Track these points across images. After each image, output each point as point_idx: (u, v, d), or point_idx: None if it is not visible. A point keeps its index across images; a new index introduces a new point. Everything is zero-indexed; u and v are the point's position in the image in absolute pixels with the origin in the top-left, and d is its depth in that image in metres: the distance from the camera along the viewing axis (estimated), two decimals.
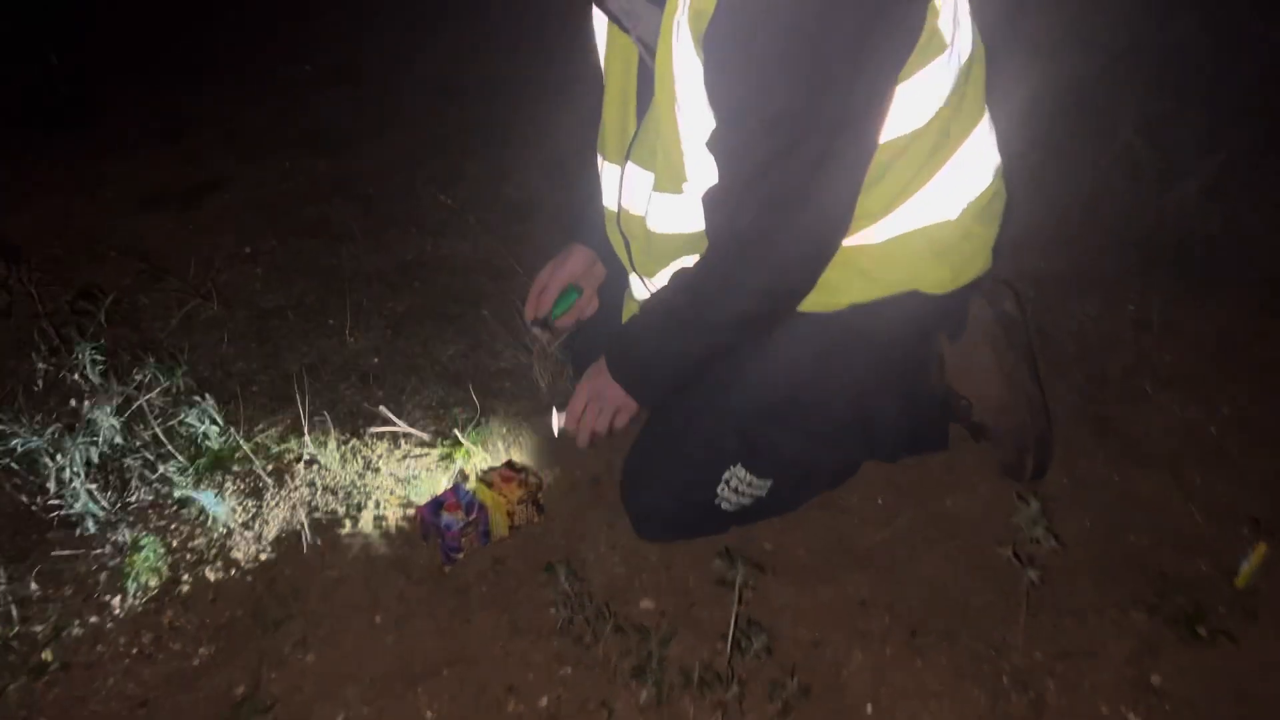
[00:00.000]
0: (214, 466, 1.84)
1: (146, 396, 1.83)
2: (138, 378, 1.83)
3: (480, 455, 1.88)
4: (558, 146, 3.01)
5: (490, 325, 2.26)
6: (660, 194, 1.57)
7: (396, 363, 2.15)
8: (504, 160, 2.97)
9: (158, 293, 2.34)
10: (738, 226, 1.43)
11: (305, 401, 1.98)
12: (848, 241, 1.52)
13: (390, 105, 3.37)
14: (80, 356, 1.75)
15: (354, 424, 1.98)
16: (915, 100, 1.41)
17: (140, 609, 1.61)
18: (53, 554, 1.67)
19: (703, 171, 1.49)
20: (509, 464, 1.76)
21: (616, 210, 1.69)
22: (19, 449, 1.66)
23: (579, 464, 1.88)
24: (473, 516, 1.65)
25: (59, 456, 1.63)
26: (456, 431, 1.90)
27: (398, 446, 1.92)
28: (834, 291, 1.56)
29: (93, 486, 1.67)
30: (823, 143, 1.34)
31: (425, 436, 1.93)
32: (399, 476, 1.85)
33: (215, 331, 2.19)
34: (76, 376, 1.80)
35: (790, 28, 1.26)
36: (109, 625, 1.58)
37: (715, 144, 1.42)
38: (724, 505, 1.66)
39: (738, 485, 1.64)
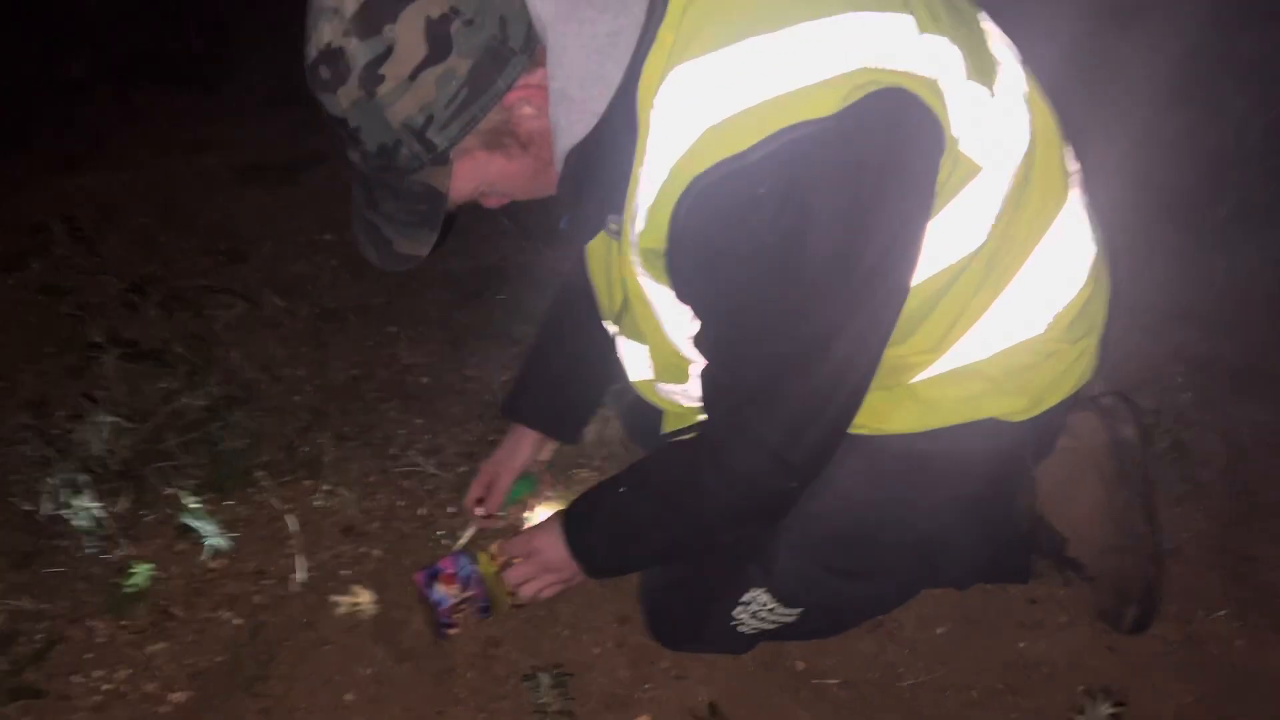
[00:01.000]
0: (229, 488, 1.76)
1: (172, 406, 1.76)
2: (163, 388, 1.76)
3: (505, 511, 1.73)
4: None
5: None
6: (663, 384, 1.41)
7: (445, 385, 2.02)
8: None
9: (231, 274, 2.28)
10: (738, 425, 1.21)
11: (341, 427, 1.88)
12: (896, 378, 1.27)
13: None
14: (105, 360, 1.69)
15: (385, 452, 1.86)
16: (954, 230, 1.16)
17: (125, 639, 1.54)
18: (50, 566, 1.63)
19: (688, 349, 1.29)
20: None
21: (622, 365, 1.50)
22: (27, 454, 1.61)
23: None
24: (469, 594, 1.51)
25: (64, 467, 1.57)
26: None
27: (423, 485, 1.80)
28: (884, 419, 1.30)
29: (95, 505, 1.60)
30: (825, 351, 1.13)
31: (449, 478, 1.79)
32: (417, 524, 1.72)
33: (272, 329, 2.12)
34: (102, 378, 1.75)
35: (757, 253, 1.04)
36: (90, 655, 1.52)
37: (702, 346, 1.23)
38: (741, 629, 1.45)
39: (758, 610, 1.43)
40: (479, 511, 1.66)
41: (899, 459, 1.34)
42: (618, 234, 1.18)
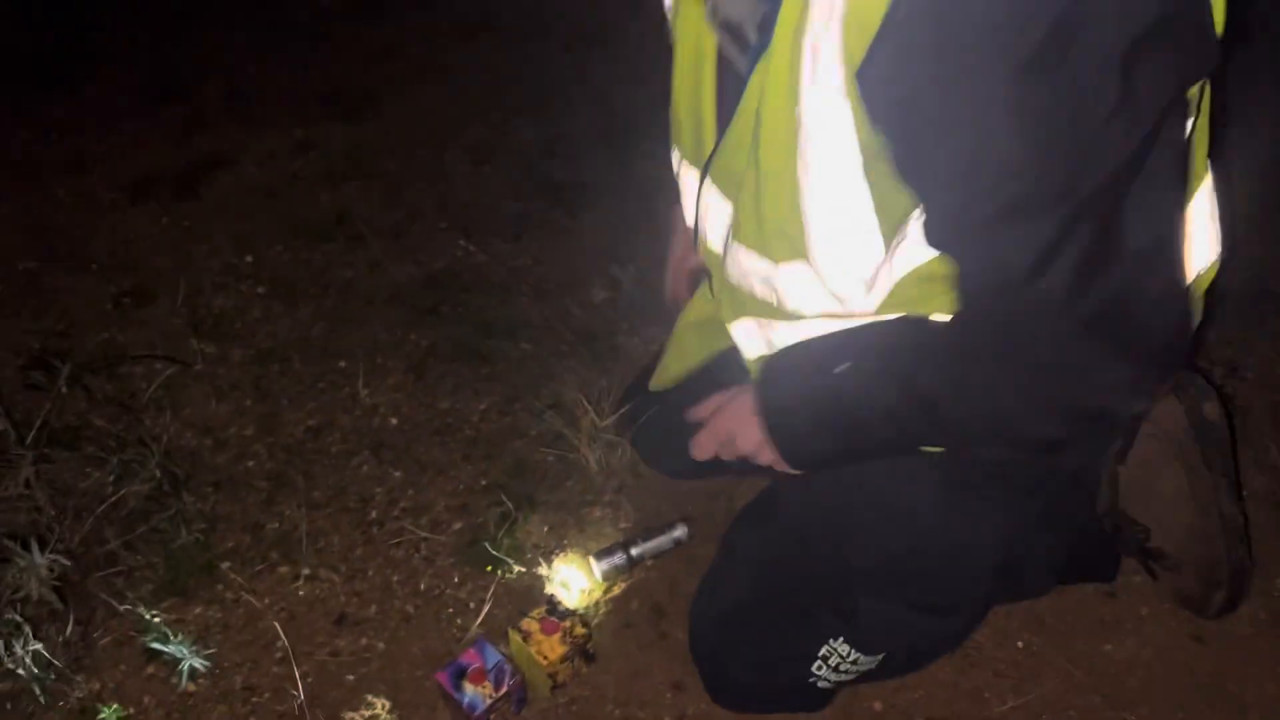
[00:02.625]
0: (191, 589, 1.51)
1: (107, 499, 1.50)
2: (95, 480, 1.49)
3: (515, 569, 1.53)
4: (618, 107, 2.55)
5: (529, 368, 1.87)
6: (745, 250, 1.13)
7: (418, 424, 1.78)
8: (551, 125, 2.51)
9: (141, 326, 1.98)
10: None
11: (309, 494, 1.64)
12: None
13: (416, 50, 2.88)
14: (23, 469, 1.41)
15: (365, 518, 1.63)
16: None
17: None
18: None
19: (831, 250, 1.01)
20: (550, 607, 1.40)
21: (694, 225, 1.25)
22: None
23: (637, 589, 1.51)
24: (503, 690, 1.31)
25: None
26: (487, 545, 1.54)
27: (417, 552, 1.58)
28: None
29: (37, 646, 1.35)
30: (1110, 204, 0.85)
31: (445, 540, 1.58)
32: (419, 601, 1.51)
33: (206, 384, 1.84)
34: (23, 487, 1.47)
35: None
36: None
37: (940, 229, 0.94)
38: (821, 685, 1.29)
39: (839, 664, 1.27)
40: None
41: (975, 473, 1.18)
42: (766, 35, 0.91)
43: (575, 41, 2.85)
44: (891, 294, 1.04)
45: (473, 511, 1.62)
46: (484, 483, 1.67)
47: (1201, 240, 1.09)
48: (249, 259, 2.15)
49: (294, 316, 1.99)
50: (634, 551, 1.51)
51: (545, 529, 1.59)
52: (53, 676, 1.39)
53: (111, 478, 1.57)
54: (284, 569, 1.55)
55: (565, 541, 1.57)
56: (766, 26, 0.93)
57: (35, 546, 1.28)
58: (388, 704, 1.38)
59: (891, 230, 0.98)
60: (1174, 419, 1.37)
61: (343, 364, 1.89)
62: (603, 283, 2.05)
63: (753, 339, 1.22)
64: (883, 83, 0.83)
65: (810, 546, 1.30)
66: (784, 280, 1.09)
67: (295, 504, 1.63)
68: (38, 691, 1.38)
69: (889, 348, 1.05)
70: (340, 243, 2.19)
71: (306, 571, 1.55)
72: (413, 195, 2.32)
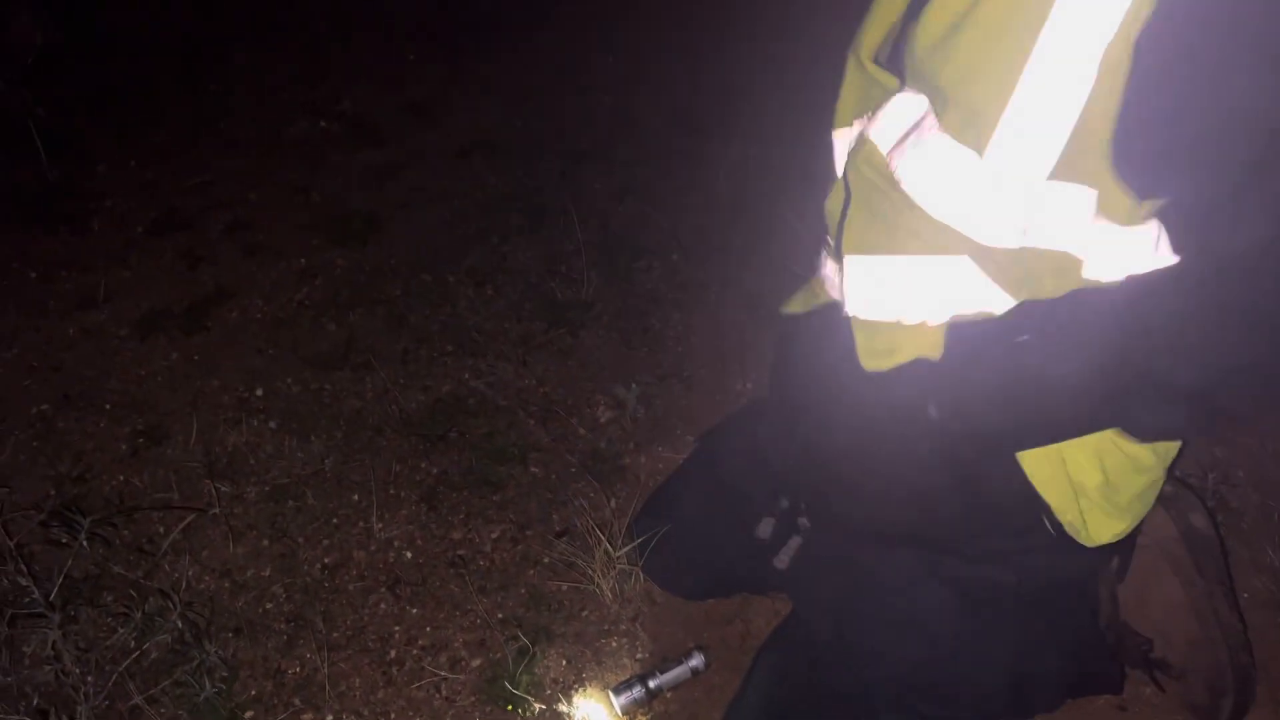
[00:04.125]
0: None
1: (130, 657, 1.52)
2: (120, 635, 1.51)
3: (536, 707, 1.55)
4: (614, 224, 2.63)
5: (539, 493, 1.91)
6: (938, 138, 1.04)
7: (432, 556, 1.81)
8: (549, 244, 2.58)
9: (156, 466, 2.01)
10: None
11: (328, 635, 1.66)
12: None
13: (414, 171, 2.98)
14: (50, 633, 1.43)
15: (385, 658, 1.65)
16: None
17: None
18: None
19: (1013, 153, 0.97)
20: None
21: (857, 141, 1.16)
22: None
23: (660, 718, 1.53)
24: None
25: None
26: (506, 683, 1.56)
27: (439, 692, 1.59)
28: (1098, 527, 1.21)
29: None
30: None
31: (465, 679, 1.60)
32: None
33: (222, 525, 1.87)
34: (49, 649, 1.49)
35: None
36: None
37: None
38: None
39: None
40: None
41: (989, 591, 1.23)
42: None
43: (569, 159, 2.95)
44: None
45: (490, 647, 1.64)
46: (500, 615, 1.70)
47: None
48: (259, 392, 2.20)
49: (306, 450, 2.03)
50: (652, 684, 1.53)
51: (563, 663, 1.62)
52: None
53: (134, 632, 1.59)
54: (307, 716, 1.57)
55: (584, 675, 1.60)
56: None
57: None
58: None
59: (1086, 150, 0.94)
60: (1164, 530, 1.41)
61: (356, 497, 1.93)
62: (607, 402, 2.10)
63: (859, 280, 1.17)
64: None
65: (825, 664, 1.34)
66: (950, 179, 1.03)
67: (315, 646, 1.65)
68: None
69: (1075, 314, 1.04)
70: (348, 372, 2.24)
71: (330, 718, 1.56)
72: (417, 320, 2.38)
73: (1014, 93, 0.94)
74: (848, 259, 1.17)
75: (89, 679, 1.55)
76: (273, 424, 2.11)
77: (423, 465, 2.00)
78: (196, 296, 2.51)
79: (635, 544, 1.66)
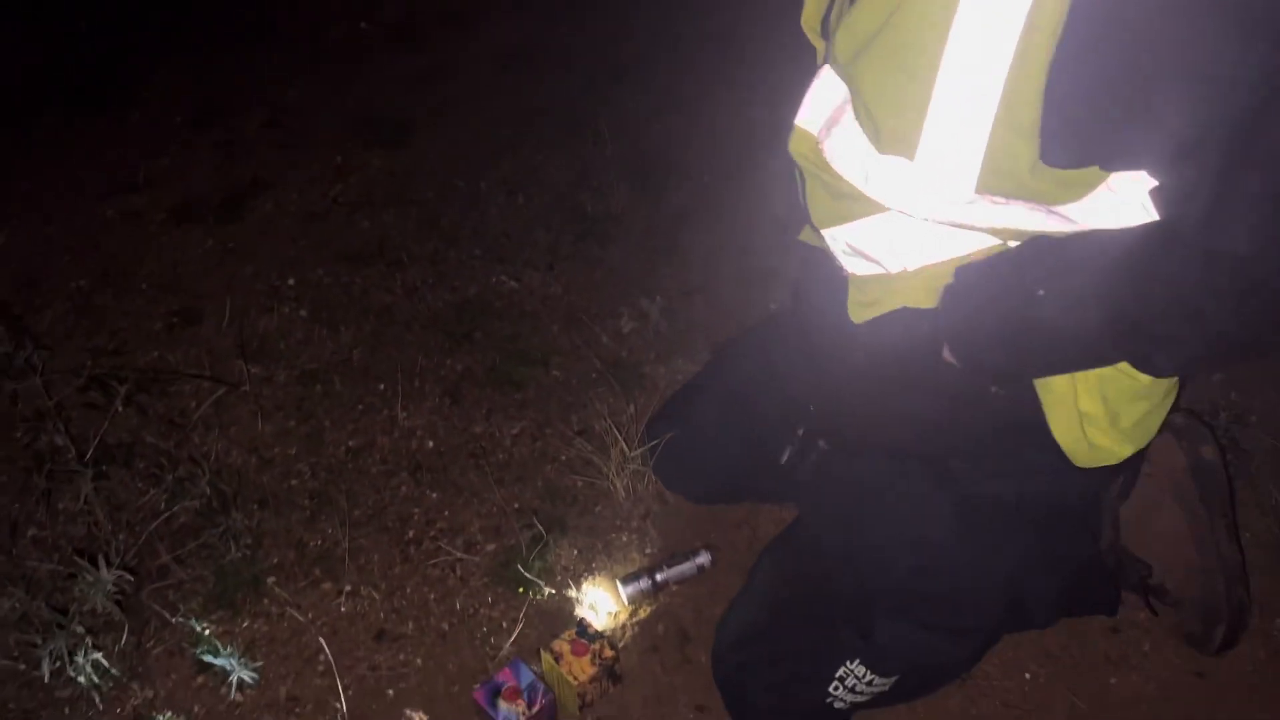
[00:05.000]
0: (239, 603, 1.59)
1: (160, 515, 1.58)
2: (151, 496, 1.58)
3: (546, 591, 1.60)
4: (646, 142, 2.63)
5: (560, 395, 1.95)
6: (853, 129, 1.08)
7: (453, 447, 1.86)
8: (582, 158, 2.59)
9: (189, 346, 2.07)
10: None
11: (349, 513, 1.72)
12: None
13: (454, 77, 2.98)
14: (83, 487, 1.49)
15: (403, 537, 1.71)
16: None
17: None
18: None
19: (939, 146, 0.98)
20: (580, 629, 1.47)
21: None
22: (15, 608, 1.42)
23: (663, 613, 1.58)
24: (536, 709, 1.38)
25: (50, 633, 1.38)
26: (519, 567, 1.62)
27: (453, 572, 1.65)
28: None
29: (97, 655, 1.43)
30: None
31: (480, 561, 1.66)
32: (454, 619, 1.58)
33: (251, 404, 1.92)
34: (83, 502, 1.56)
35: None
36: None
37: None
38: (837, 705, 1.36)
39: (855, 684, 1.34)
40: None
41: (990, 506, 1.26)
42: None
43: (607, 75, 2.94)
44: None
45: (505, 534, 1.70)
46: (516, 506, 1.75)
47: None
48: (291, 282, 2.24)
49: (335, 340, 2.08)
50: (659, 577, 1.58)
51: (575, 553, 1.67)
52: (110, 685, 1.47)
53: (164, 495, 1.65)
54: (327, 585, 1.63)
55: (594, 565, 1.65)
56: None
57: (103, 563, 1.35)
58: (425, 717, 1.45)
59: (1014, 136, 0.94)
60: (1173, 460, 1.44)
61: (382, 387, 1.98)
62: (631, 313, 2.12)
63: (836, 246, 1.22)
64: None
65: (829, 570, 1.38)
66: (881, 169, 1.06)
67: (337, 522, 1.71)
68: (96, 699, 1.46)
69: (1088, 269, 1.02)
70: (379, 268, 2.28)
71: (348, 588, 1.62)
72: (448, 223, 2.41)
73: (928, 118, 0.96)
74: (822, 231, 1.22)
75: (120, 536, 1.61)
76: (303, 313, 2.15)
77: (448, 362, 2.04)
78: (232, 187, 2.55)
79: (649, 446, 1.70)
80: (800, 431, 1.50)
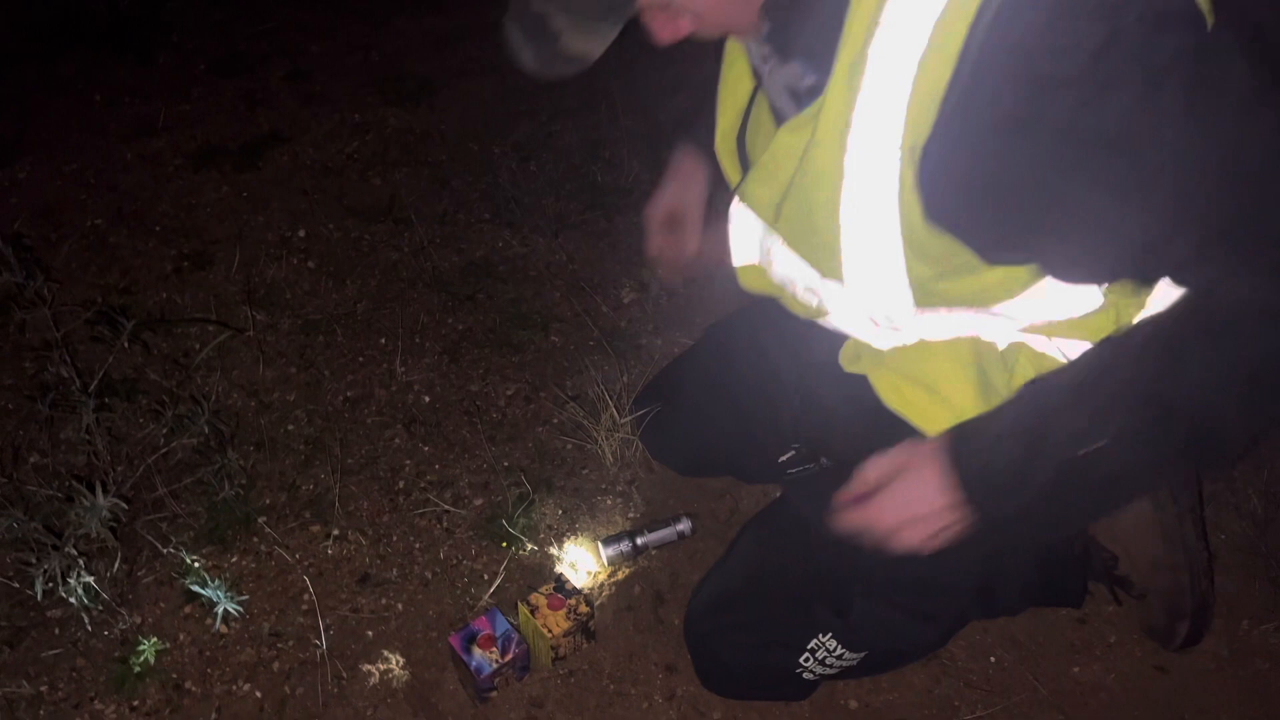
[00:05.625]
0: (230, 539, 1.64)
1: (157, 449, 1.62)
2: (150, 431, 1.62)
3: (529, 547, 1.64)
4: (663, 118, 2.64)
5: (556, 359, 1.98)
6: (792, 254, 1.19)
7: (449, 403, 1.89)
8: (595, 129, 2.61)
9: (198, 289, 2.10)
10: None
11: (343, 460, 1.76)
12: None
13: (473, 43, 3.00)
14: (85, 418, 1.54)
15: (394, 487, 1.75)
16: None
17: None
18: (45, 646, 1.50)
19: (864, 278, 1.06)
20: (558, 585, 1.51)
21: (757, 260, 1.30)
22: (13, 528, 1.46)
23: (640, 575, 1.62)
24: (509, 657, 1.42)
25: (45, 555, 1.43)
26: (504, 522, 1.65)
27: (440, 523, 1.69)
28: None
29: (89, 579, 1.47)
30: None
31: (466, 515, 1.69)
32: (438, 568, 1.62)
33: (254, 349, 1.96)
34: (84, 431, 1.60)
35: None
36: None
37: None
38: (806, 676, 1.39)
39: (825, 657, 1.37)
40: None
41: None
42: (812, 96, 0.97)
43: (629, 48, 2.94)
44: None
45: (493, 490, 1.74)
46: (506, 464, 1.78)
47: None
48: (301, 233, 2.27)
49: (340, 292, 2.11)
50: (639, 540, 1.62)
51: (559, 512, 1.71)
52: (99, 608, 1.52)
53: (164, 430, 1.69)
54: (315, 528, 1.67)
55: (577, 526, 1.68)
56: (815, 91, 1.00)
57: (99, 489, 1.40)
58: (402, 660, 1.49)
59: (926, 266, 1.01)
60: None
61: (383, 341, 2.01)
62: (632, 285, 2.15)
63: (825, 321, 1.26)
64: (951, 154, 0.89)
65: (812, 548, 1.40)
66: (829, 292, 1.15)
67: (330, 469, 1.75)
68: (86, 620, 1.51)
69: (1118, 405, 0.97)
70: (388, 225, 2.31)
71: (336, 532, 1.66)
72: (459, 185, 2.44)
73: (844, 265, 1.06)
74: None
75: (118, 467, 1.66)
76: (311, 264, 2.19)
77: (449, 321, 2.07)
78: (251, 137, 2.58)
79: (639, 414, 1.73)
80: (798, 447, 1.52)
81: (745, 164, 1.26)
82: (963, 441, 1.05)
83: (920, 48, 0.86)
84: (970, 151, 0.89)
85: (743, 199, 1.24)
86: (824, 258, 1.09)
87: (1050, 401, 1.00)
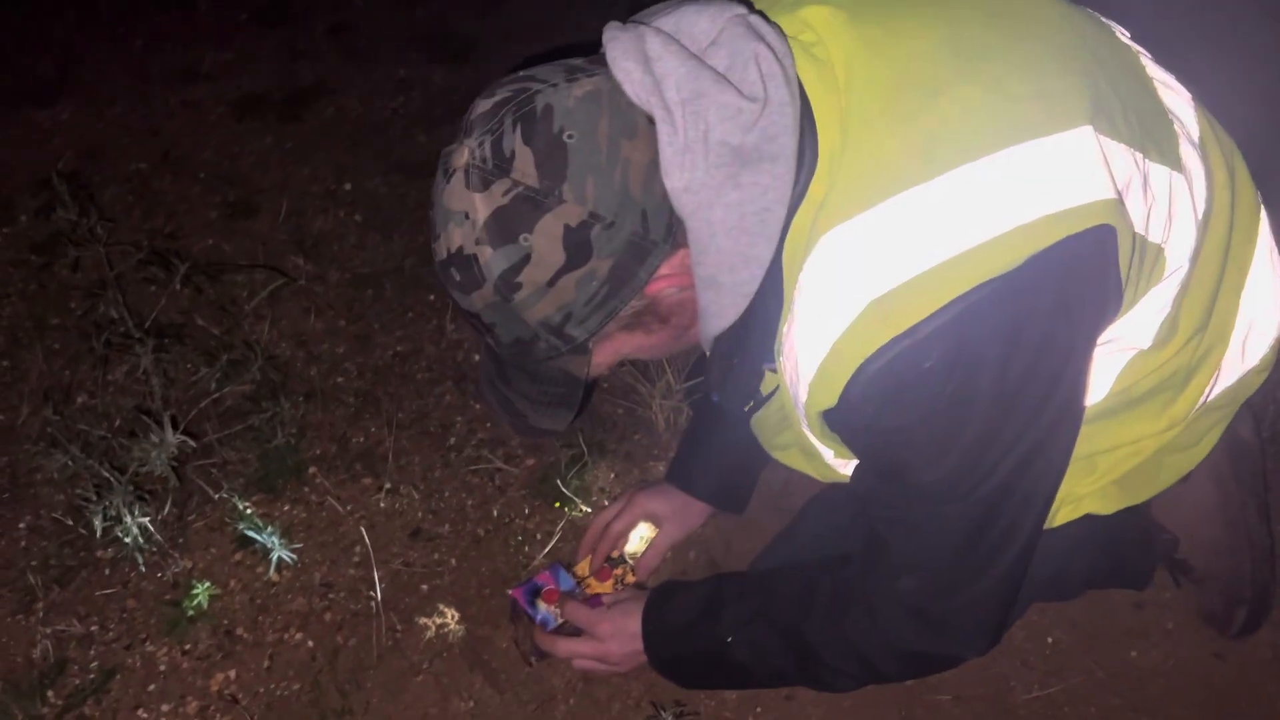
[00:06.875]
0: (281, 488, 1.62)
1: (211, 398, 1.60)
2: (202, 375, 1.60)
3: (582, 509, 1.63)
4: None
5: None
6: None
7: None
8: None
9: (244, 237, 2.08)
10: (901, 589, 1.08)
11: (394, 414, 1.74)
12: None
13: (519, 4, 2.96)
14: (142, 355, 1.52)
15: (444, 443, 1.73)
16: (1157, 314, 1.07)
17: (188, 666, 1.42)
18: (96, 585, 1.49)
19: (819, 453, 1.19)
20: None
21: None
22: (67, 467, 1.45)
23: (695, 541, 1.60)
24: None
25: (104, 492, 1.41)
26: (558, 482, 1.64)
27: (492, 481, 1.68)
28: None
29: (144, 520, 1.46)
30: (992, 517, 1.01)
31: (518, 473, 1.68)
32: (490, 525, 1.61)
33: (303, 300, 1.94)
34: (140, 373, 1.58)
35: (924, 422, 0.93)
36: (153, 686, 1.40)
37: (862, 494, 1.11)
38: None
39: None
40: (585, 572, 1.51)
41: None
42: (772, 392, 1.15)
43: None
44: None
45: (546, 450, 1.72)
46: None
47: (1269, 304, 1.19)
48: (348, 187, 2.25)
49: (388, 247, 2.09)
50: None
51: (611, 475, 1.69)
52: (153, 549, 1.50)
53: (216, 376, 1.67)
54: (367, 480, 1.66)
55: (629, 489, 1.66)
56: (759, 403, 1.20)
57: (168, 425, 1.38)
58: (457, 615, 1.48)
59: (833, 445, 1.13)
60: None
61: (431, 297, 1.99)
62: None
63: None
64: (835, 427, 1.01)
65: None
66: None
67: (381, 422, 1.73)
68: (140, 561, 1.49)
69: (772, 605, 1.20)
70: (432, 181, 2.27)
71: (388, 485, 1.65)
72: None
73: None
74: None
75: (169, 411, 1.63)
76: (358, 217, 2.16)
77: None
78: (295, 87, 2.55)
79: (693, 382, 1.71)
80: None
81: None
82: (658, 620, 1.29)
83: (805, 393, 0.98)
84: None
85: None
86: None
87: (723, 595, 1.24)
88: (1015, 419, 0.93)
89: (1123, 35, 1.14)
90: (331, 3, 2.91)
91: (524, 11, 2.92)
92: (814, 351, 0.93)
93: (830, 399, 0.94)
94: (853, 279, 0.88)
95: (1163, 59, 1.15)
